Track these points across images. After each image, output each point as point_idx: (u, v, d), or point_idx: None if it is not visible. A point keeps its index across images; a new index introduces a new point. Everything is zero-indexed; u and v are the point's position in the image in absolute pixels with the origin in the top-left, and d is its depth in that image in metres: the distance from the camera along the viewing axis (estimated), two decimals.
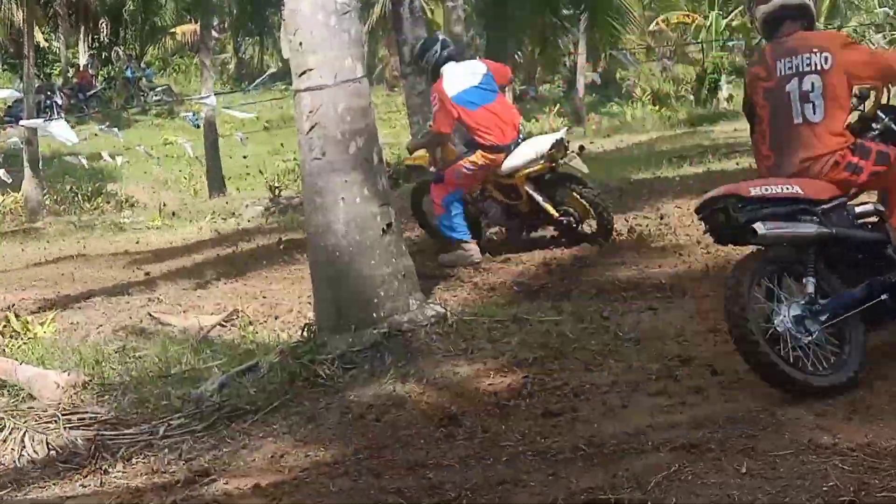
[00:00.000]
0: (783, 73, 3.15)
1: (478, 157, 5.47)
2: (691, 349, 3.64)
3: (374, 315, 4.01)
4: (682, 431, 2.78)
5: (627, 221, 6.11)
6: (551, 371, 3.59)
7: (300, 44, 4.03)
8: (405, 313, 4.05)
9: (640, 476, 2.45)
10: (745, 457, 2.47)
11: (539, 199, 5.53)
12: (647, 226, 6.03)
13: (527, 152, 5.55)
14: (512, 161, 5.52)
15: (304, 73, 4.04)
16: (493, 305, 4.69)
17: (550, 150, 5.47)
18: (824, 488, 2.20)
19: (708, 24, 22.95)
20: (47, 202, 15.20)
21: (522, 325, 4.13)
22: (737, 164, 9.01)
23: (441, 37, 6.42)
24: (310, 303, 4.83)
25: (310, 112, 4.03)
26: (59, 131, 13.26)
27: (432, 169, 6.00)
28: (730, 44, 23.41)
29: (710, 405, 3.03)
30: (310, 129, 4.06)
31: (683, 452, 2.58)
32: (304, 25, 4.00)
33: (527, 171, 5.50)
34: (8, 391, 4.41)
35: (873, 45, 17.13)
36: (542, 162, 5.48)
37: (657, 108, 22.19)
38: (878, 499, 2.12)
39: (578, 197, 5.53)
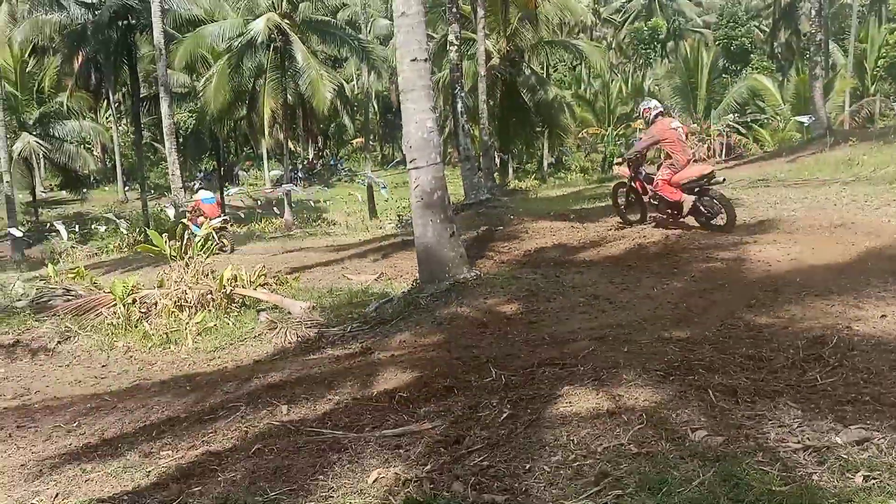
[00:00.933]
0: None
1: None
2: (600, 291, 7.38)
3: (447, 275, 7.59)
4: (595, 331, 6.10)
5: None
6: (530, 303, 7.25)
7: (410, 146, 7.82)
8: (461, 275, 7.61)
9: (575, 353, 5.58)
10: (624, 341, 6.10)
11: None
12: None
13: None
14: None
15: (412, 160, 7.79)
16: (504, 270, 8.58)
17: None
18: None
19: (608, 133, 42.50)
20: (296, 223, 26.57)
21: (518, 280, 7.81)
22: None
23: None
24: (416, 271, 8.99)
25: (415, 179, 7.81)
26: (298, 190, 25.71)
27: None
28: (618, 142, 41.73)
29: (607, 318, 6.69)
30: (415, 187, 7.87)
31: (596, 341, 5.71)
32: (412, 138, 7.78)
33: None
34: (280, 310, 8.54)
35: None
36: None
37: (583, 174, 40.31)
38: None
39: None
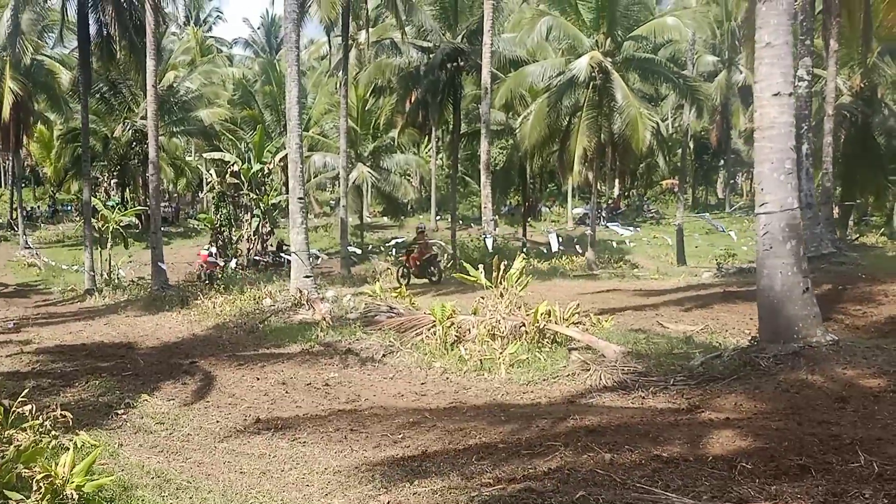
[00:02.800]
0: None
1: None
2: None
3: (795, 336, 6.80)
4: None
5: None
6: None
7: (762, 188, 7.17)
8: (814, 338, 6.74)
9: None
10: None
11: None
12: None
13: None
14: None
15: (762, 204, 7.15)
16: (861, 337, 7.43)
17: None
18: None
19: None
20: (596, 262, 26.23)
21: (883, 351, 6.63)
22: None
23: None
24: (745, 325, 8.20)
25: (765, 224, 7.12)
26: (619, 229, 26.57)
27: None
28: None
29: None
30: (763, 234, 7.16)
31: None
32: (765, 179, 7.12)
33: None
34: (592, 351, 8.39)
35: None
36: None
37: None
38: None
39: None
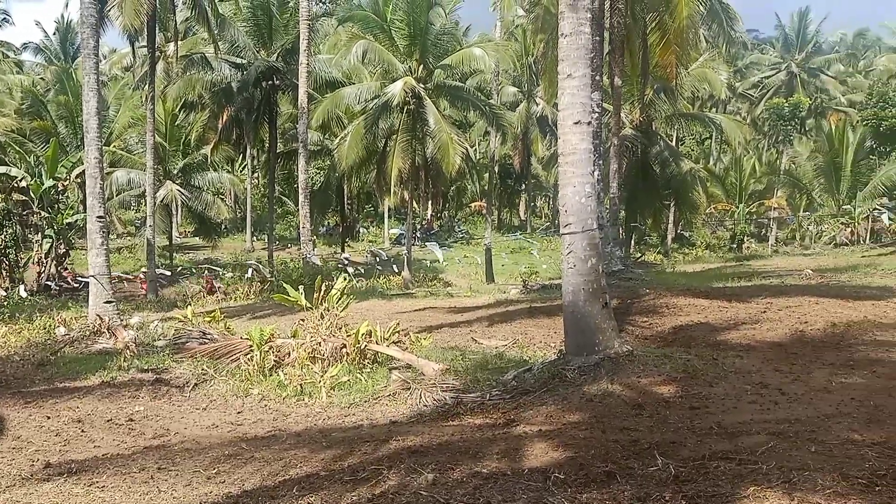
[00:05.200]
0: None
1: None
2: (768, 379, 6.74)
3: (597, 348, 7.20)
4: (771, 425, 5.60)
5: None
6: (689, 386, 6.69)
7: (566, 210, 7.55)
8: (612, 349, 7.19)
9: (752, 448, 5.19)
10: (808, 439, 5.55)
11: None
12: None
13: None
14: None
15: (566, 225, 7.54)
16: (650, 347, 8.11)
17: None
18: None
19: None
20: (413, 280, 26.46)
21: (670, 359, 7.22)
22: None
23: None
24: (550, 339, 8.61)
25: (569, 244, 7.51)
26: (436, 249, 27.01)
27: None
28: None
29: (782, 411, 6.08)
30: (568, 253, 7.55)
31: (774, 437, 5.09)
32: (568, 202, 7.51)
33: None
34: (412, 370, 8.32)
35: None
36: None
37: (709, 251, 37.79)
38: None
39: None
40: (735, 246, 42.55)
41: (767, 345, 8.45)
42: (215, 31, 26.31)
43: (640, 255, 30.65)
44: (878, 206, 34.71)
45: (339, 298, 10.06)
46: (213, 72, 29.69)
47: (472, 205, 55.37)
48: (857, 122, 45.92)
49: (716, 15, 21.39)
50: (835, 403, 5.93)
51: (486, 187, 41.96)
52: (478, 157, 50.74)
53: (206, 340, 10.83)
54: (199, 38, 33.52)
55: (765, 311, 10.14)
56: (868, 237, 37.47)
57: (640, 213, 30.71)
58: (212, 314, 12.47)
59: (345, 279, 10.82)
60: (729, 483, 4.42)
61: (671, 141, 40.75)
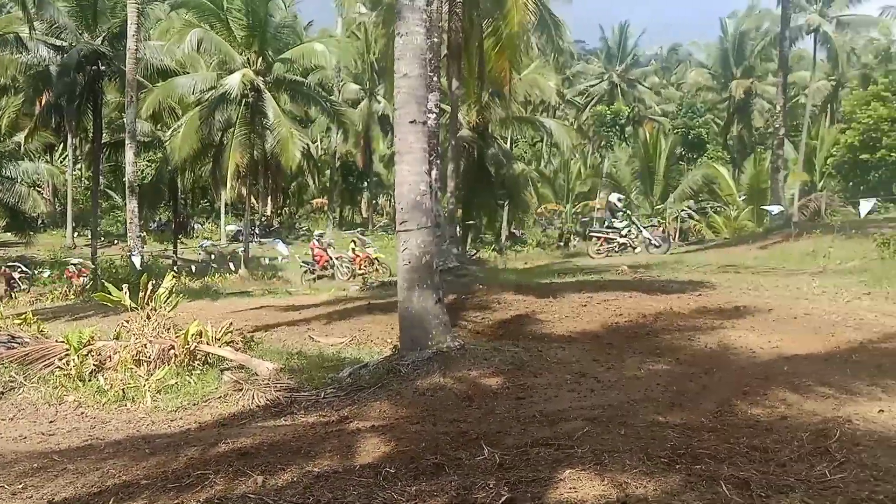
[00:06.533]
0: None
1: None
2: (585, 368, 7.20)
3: (430, 343, 7.31)
4: (587, 411, 5.78)
5: None
6: (516, 377, 6.98)
7: (401, 208, 7.60)
8: (444, 343, 7.34)
9: (569, 433, 5.46)
10: (619, 423, 5.92)
11: None
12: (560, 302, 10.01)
13: None
14: None
15: (402, 222, 7.59)
16: (482, 341, 8.37)
17: None
18: None
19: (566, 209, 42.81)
20: (250, 278, 25.95)
21: (499, 352, 7.54)
22: None
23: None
24: (388, 335, 8.65)
25: (404, 241, 7.58)
26: (280, 248, 27.33)
27: None
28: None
29: (598, 398, 6.50)
30: (403, 250, 7.60)
31: (590, 422, 5.43)
32: (403, 200, 7.58)
33: None
34: (245, 370, 7.97)
35: None
36: None
37: (540, 248, 40.36)
38: None
39: None
40: (563, 244, 45.14)
41: (587, 336, 8.97)
42: (31, 10, 23.91)
43: (475, 252, 31.61)
44: (684, 208, 38.05)
45: (168, 297, 9.49)
46: (29, 53, 27.01)
47: (314, 202, 54.51)
48: (669, 130, 50.36)
49: (545, 25, 22.46)
50: (643, 389, 6.40)
51: (327, 184, 41.54)
52: (319, 154, 50.02)
53: (16, 345, 9.80)
54: (14, 16, 30.37)
55: (585, 305, 10.78)
56: (677, 236, 41.18)
57: (477, 211, 31.76)
58: (23, 317, 11.33)
59: (174, 277, 10.22)
60: (548, 468, 4.64)
61: (506, 143, 42.46)
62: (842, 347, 7.47)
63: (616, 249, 20.01)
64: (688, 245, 25.57)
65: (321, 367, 7.99)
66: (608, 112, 51.00)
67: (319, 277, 24.03)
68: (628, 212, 23.13)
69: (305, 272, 24.47)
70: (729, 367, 6.99)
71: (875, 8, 66.17)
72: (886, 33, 44.64)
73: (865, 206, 20.30)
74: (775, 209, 23.10)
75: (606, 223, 21.98)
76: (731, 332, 8.39)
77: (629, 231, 20.50)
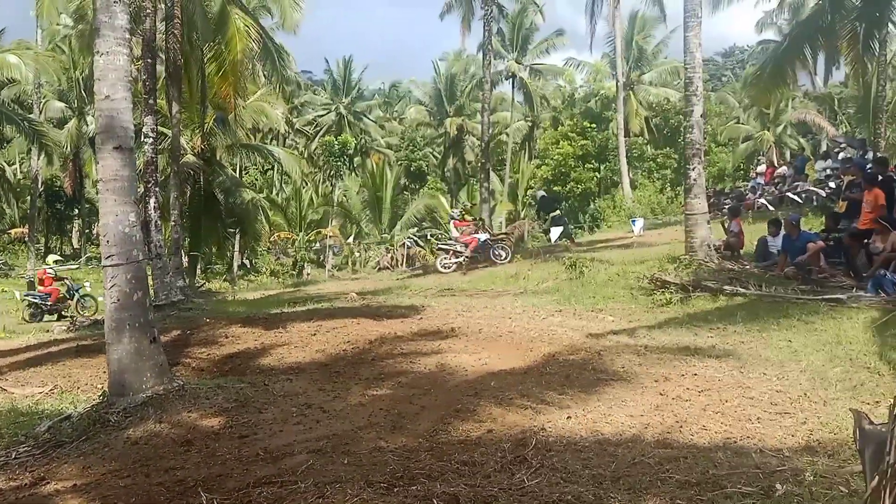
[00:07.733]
0: None
1: None
2: (312, 399, 7.16)
3: (144, 387, 6.75)
4: (311, 443, 5.64)
5: None
6: (239, 415, 6.67)
7: (108, 241, 6.91)
8: (161, 386, 6.82)
9: (293, 468, 5.14)
10: (343, 452, 5.84)
11: None
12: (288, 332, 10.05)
13: None
14: None
15: (109, 256, 6.92)
16: (206, 379, 7.96)
17: None
18: None
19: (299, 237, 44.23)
20: None
21: (223, 389, 7.21)
22: None
23: None
24: (98, 381, 7.79)
25: (112, 277, 6.89)
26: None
27: None
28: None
29: (323, 428, 6.43)
30: (111, 286, 6.91)
31: (314, 454, 5.37)
32: (110, 232, 6.91)
33: None
34: None
35: None
36: None
37: (274, 277, 38.18)
38: None
39: None
40: (296, 273, 44.68)
41: (315, 366, 8.92)
42: None
43: (203, 282, 29.91)
44: (409, 235, 39.95)
45: None
46: None
47: (12, 231, 47.31)
48: (394, 161, 52.67)
49: (269, 53, 22.21)
50: (367, 415, 6.51)
51: (28, 211, 36.39)
52: (17, 178, 43.81)
53: None
54: None
55: (314, 334, 10.72)
56: (404, 262, 43.03)
57: (205, 241, 30.12)
58: None
59: None
60: None
61: (235, 170, 41.01)
62: (538, 361, 8.32)
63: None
64: (413, 270, 26.79)
65: (13, 423, 6.91)
66: (336, 142, 51.88)
67: (53, 313, 20.86)
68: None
69: (29, 307, 21.04)
70: (445, 386, 7.41)
71: (561, 59, 76.22)
72: (571, 81, 51.37)
73: (555, 232, 23.31)
74: (483, 237, 25.25)
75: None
76: (447, 353, 8.90)
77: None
